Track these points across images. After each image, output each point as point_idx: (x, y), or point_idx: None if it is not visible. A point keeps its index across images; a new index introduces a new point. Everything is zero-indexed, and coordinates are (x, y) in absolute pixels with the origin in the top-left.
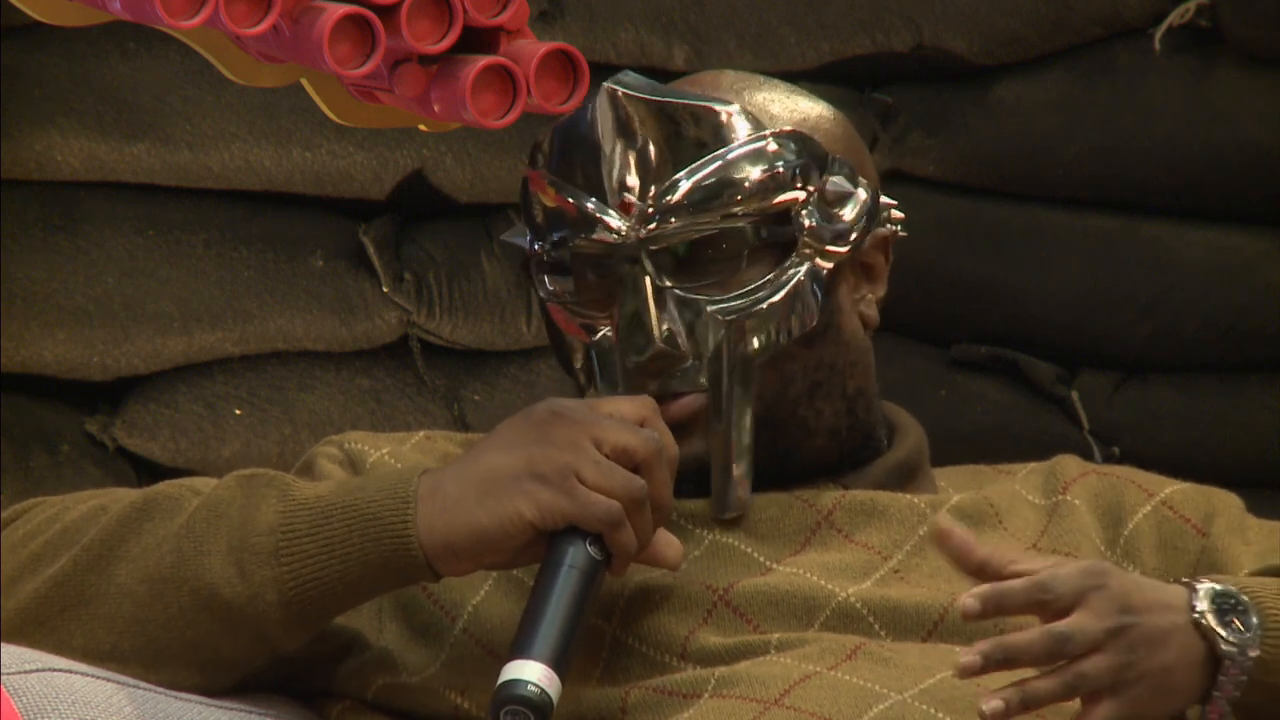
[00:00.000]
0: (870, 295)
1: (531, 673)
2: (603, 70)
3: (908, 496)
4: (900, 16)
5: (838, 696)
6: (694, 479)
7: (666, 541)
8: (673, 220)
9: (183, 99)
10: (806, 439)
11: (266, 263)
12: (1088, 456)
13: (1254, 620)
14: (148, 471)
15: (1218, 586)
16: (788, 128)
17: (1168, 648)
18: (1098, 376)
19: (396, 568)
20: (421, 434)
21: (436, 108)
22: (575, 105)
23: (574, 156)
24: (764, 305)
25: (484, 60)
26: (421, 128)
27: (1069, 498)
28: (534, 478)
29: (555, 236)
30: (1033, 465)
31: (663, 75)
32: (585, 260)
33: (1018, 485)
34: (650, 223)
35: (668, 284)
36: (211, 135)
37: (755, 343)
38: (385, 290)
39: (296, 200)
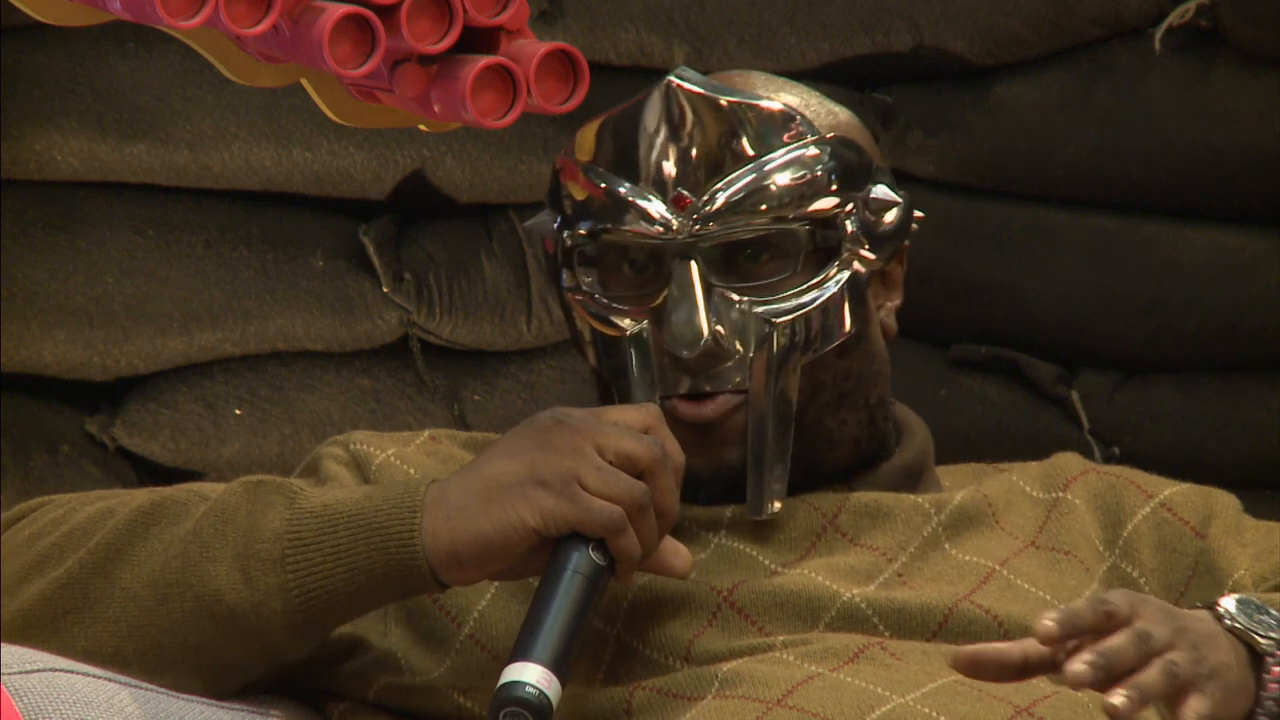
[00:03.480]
0: (890, 304)
1: (531, 675)
2: (603, 70)
3: (912, 497)
4: (900, 16)
5: (840, 698)
6: (724, 484)
7: (675, 550)
8: (727, 218)
9: (183, 99)
10: (830, 449)
11: (266, 263)
12: (1088, 456)
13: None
14: (148, 471)
15: (1236, 596)
16: (840, 133)
17: (1220, 648)
18: (1098, 376)
19: (401, 577)
20: (426, 434)
21: (436, 108)
22: (575, 105)
23: (626, 148)
24: (808, 310)
25: (484, 60)
26: (421, 128)
27: (1069, 496)
28: (536, 484)
29: (590, 226)
30: (1032, 463)
31: (663, 76)
32: (623, 252)
33: (1016, 478)
34: (706, 220)
35: (716, 282)
36: (211, 135)
37: (798, 347)
38: (385, 290)
39: (296, 200)
